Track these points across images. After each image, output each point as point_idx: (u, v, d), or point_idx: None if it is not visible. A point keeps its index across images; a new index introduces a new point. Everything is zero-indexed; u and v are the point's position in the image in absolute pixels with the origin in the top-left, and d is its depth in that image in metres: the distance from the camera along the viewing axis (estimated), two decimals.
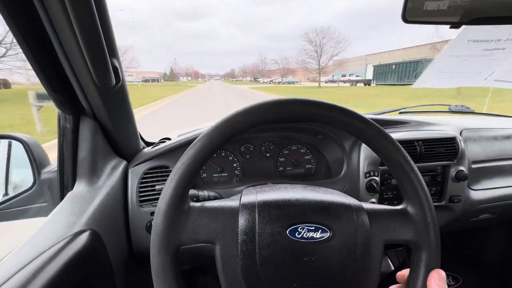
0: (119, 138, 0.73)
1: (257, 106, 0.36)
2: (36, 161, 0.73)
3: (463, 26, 0.76)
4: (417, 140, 0.87)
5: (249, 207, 0.39)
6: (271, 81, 69.74)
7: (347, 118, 0.37)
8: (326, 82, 45.14)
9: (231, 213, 0.39)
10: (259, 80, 75.91)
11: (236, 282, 0.38)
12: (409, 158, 0.39)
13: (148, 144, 0.94)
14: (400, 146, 0.39)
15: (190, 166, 0.36)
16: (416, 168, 0.39)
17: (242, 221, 0.38)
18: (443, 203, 0.92)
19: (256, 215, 0.38)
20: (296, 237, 0.38)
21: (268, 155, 0.95)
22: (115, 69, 0.54)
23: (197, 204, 0.39)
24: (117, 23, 0.56)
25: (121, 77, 0.57)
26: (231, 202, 0.41)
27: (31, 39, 0.51)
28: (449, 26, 0.71)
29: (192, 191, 0.60)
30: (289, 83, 56.80)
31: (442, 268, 0.38)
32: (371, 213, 0.40)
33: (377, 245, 0.39)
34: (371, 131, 0.38)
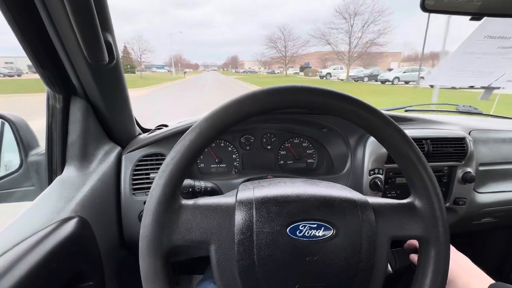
0: (113, 122, 0.70)
1: (251, 95, 0.33)
2: (24, 142, 0.69)
3: (483, 20, 0.72)
4: (425, 139, 0.83)
5: (246, 204, 0.36)
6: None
7: (351, 106, 0.34)
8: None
9: (226, 211, 0.36)
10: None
11: (234, 284, 0.35)
12: (417, 148, 0.37)
13: (145, 130, 0.90)
14: (408, 135, 0.36)
15: (180, 161, 0.33)
16: (425, 159, 0.37)
17: (238, 219, 0.35)
18: (447, 205, 0.89)
19: (254, 212, 0.36)
20: (297, 236, 0.35)
21: (269, 147, 0.92)
22: (109, 45, 0.50)
23: (190, 202, 0.36)
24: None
25: (115, 54, 0.53)
26: (226, 199, 0.38)
27: (17, 8, 0.46)
28: (469, 17, 0.67)
29: (187, 181, 0.57)
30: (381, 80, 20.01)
31: None
32: (377, 208, 0.38)
33: (383, 242, 0.37)
34: (377, 120, 0.35)
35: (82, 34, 0.44)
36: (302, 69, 45.62)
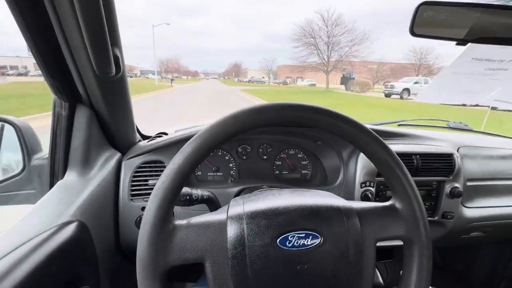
0: (115, 129, 0.72)
1: (232, 116, 0.35)
2: (27, 147, 0.71)
3: (469, 44, 0.77)
4: (415, 154, 0.86)
5: (237, 219, 0.38)
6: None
7: (328, 119, 0.37)
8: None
9: (219, 227, 0.38)
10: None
11: None
12: (394, 154, 0.39)
13: (145, 137, 0.92)
14: (385, 142, 0.39)
15: (172, 183, 0.35)
16: (402, 164, 0.39)
17: (230, 234, 0.37)
18: (436, 218, 0.92)
19: (245, 227, 0.37)
20: (287, 246, 0.37)
21: (265, 157, 0.94)
22: (116, 59, 0.53)
23: (183, 222, 0.38)
24: None
25: (121, 67, 0.56)
26: (218, 216, 0.40)
27: (32, 22, 0.49)
28: (455, 42, 0.72)
29: (185, 189, 0.59)
30: None
31: None
32: (361, 213, 0.40)
33: (369, 244, 0.39)
34: (353, 129, 0.38)
35: (93, 48, 0.47)
36: (344, 80, 30.87)
